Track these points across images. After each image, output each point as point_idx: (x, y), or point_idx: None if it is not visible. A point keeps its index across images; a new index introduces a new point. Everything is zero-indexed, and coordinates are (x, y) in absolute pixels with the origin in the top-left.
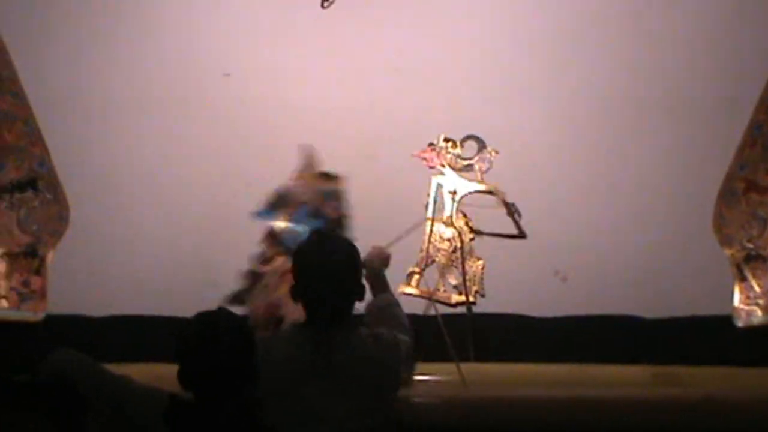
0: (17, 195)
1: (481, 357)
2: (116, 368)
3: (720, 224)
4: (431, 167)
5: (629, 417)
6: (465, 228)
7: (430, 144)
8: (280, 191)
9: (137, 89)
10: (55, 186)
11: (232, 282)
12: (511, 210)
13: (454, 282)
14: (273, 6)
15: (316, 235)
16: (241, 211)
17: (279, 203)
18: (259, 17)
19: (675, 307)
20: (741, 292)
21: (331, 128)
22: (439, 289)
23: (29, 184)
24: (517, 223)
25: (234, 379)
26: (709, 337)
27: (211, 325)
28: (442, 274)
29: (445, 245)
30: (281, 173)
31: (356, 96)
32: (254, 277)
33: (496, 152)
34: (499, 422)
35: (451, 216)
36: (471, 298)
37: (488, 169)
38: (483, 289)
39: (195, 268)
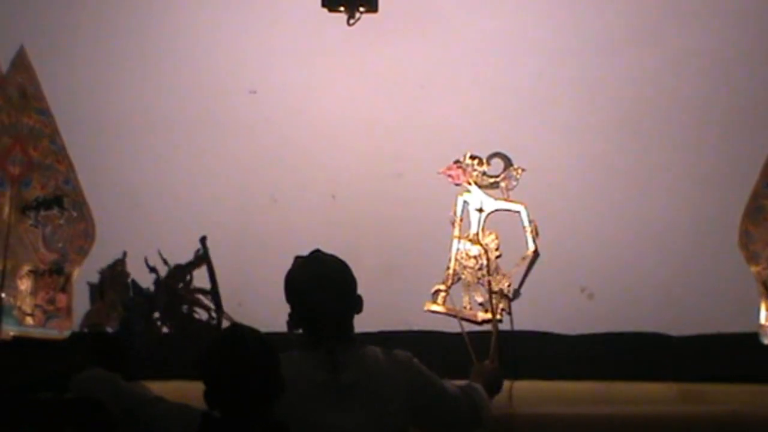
0: (43, 212)
1: (507, 375)
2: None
3: (746, 241)
4: (457, 184)
5: None
6: (491, 245)
7: (456, 161)
8: None
9: (163, 106)
10: (80, 203)
11: (257, 297)
12: (534, 228)
13: (480, 299)
14: (299, 24)
15: (301, 259)
16: (267, 225)
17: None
18: (285, 35)
19: (701, 324)
20: (767, 309)
21: (357, 145)
22: (465, 307)
23: (55, 201)
24: (533, 241)
25: (260, 396)
26: (736, 355)
27: (237, 343)
28: (468, 292)
29: (471, 263)
30: (306, 189)
31: (381, 113)
32: None
33: (523, 170)
34: None
35: (477, 233)
36: (498, 316)
37: (514, 186)
38: (509, 306)
39: (222, 284)
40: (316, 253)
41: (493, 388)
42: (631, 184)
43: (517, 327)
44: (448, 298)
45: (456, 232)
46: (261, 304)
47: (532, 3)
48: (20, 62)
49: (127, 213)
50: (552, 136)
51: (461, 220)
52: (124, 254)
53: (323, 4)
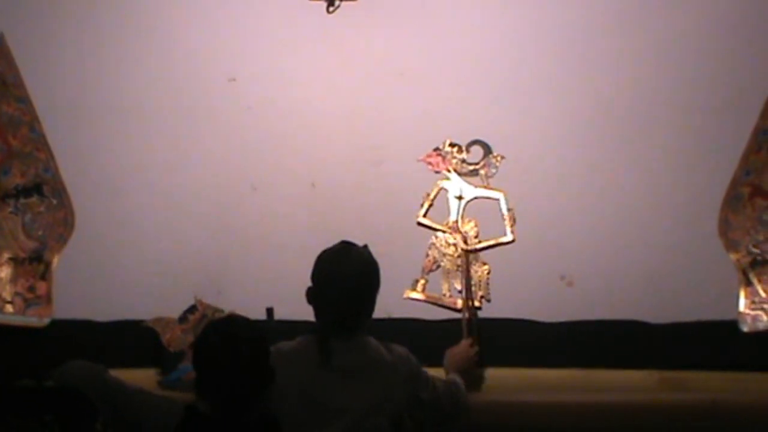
0: (22, 200)
1: (486, 362)
2: (123, 374)
3: (725, 229)
4: (437, 172)
5: (635, 422)
6: (471, 233)
7: (436, 149)
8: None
9: (142, 94)
10: (60, 191)
11: (236, 286)
12: (512, 216)
13: (459, 287)
14: (278, 11)
15: (340, 246)
16: (248, 215)
17: (176, 358)
18: (263, 22)
19: (681, 311)
20: (746, 297)
21: (337, 133)
22: (445, 294)
23: (34, 189)
24: (512, 227)
25: (251, 386)
26: (715, 342)
27: (228, 332)
28: (447, 279)
29: (451, 250)
30: (287, 178)
31: (361, 101)
32: None
33: (502, 157)
34: (504, 428)
35: (456, 221)
36: (476, 303)
37: (494, 174)
38: (489, 294)
39: (201, 272)
40: (356, 247)
41: (464, 366)
42: (610, 172)
43: (496, 315)
44: (427, 285)
45: (421, 213)
46: (240, 292)
47: None
48: None
49: (107, 201)
50: (531, 125)
51: (431, 205)
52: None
53: None
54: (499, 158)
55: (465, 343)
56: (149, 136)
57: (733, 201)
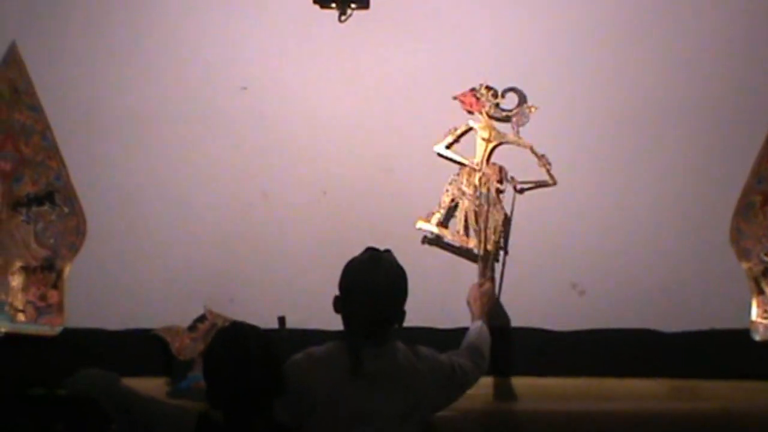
0: (34, 208)
1: (497, 371)
2: (135, 382)
3: (737, 238)
4: (469, 112)
5: (647, 431)
6: (494, 177)
7: (472, 89)
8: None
9: (153, 102)
10: (72, 199)
11: (248, 294)
12: (544, 161)
13: (473, 227)
14: (290, 20)
15: (369, 254)
16: (259, 223)
17: (185, 367)
18: (275, 31)
19: (692, 320)
20: (759, 306)
21: (348, 141)
22: (459, 232)
23: (46, 197)
24: (548, 172)
25: (262, 395)
26: (727, 351)
27: (239, 341)
28: (463, 219)
29: (471, 189)
30: (298, 185)
31: (372, 109)
32: None
33: (535, 108)
34: None
35: (481, 162)
36: (489, 247)
37: (525, 123)
38: (502, 241)
39: (213, 280)
40: (384, 254)
41: (490, 306)
42: (622, 181)
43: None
44: (440, 220)
45: (443, 144)
46: (252, 300)
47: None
48: (12, 59)
49: (119, 209)
50: (542, 132)
51: (455, 140)
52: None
53: (314, 1)
54: (532, 108)
55: (486, 282)
56: (160, 144)
57: (745, 209)
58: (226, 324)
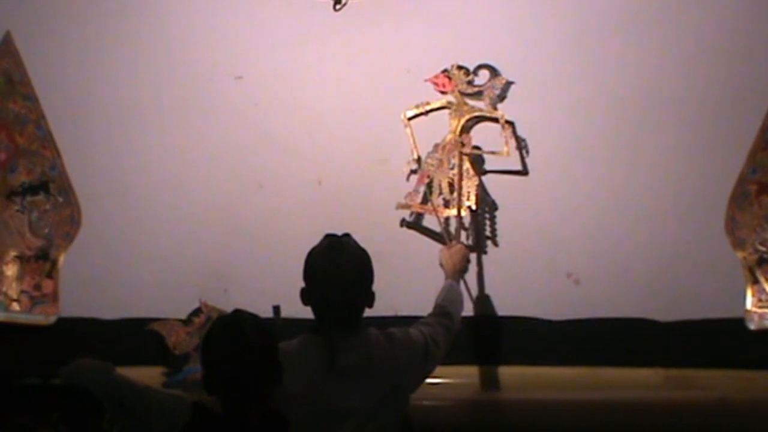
0: (29, 198)
1: (492, 360)
2: (130, 372)
3: (732, 227)
4: (442, 92)
5: (642, 420)
6: (468, 146)
7: (444, 70)
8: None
9: (148, 92)
10: (66, 189)
11: (243, 283)
12: (508, 132)
13: (447, 197)
14: (284, 8)
15: (328, 241)
16: (254, 213)
17: (182, 360)
18: (270, 20)
19: (687, 309)
20: (753, 295)
21: (343, 131)
22: (432, 203)
23: (41, 187)
24: (506, 142)
25: (260, 382)
26: (722, 340)
27: (237, 328)
28: (437, 193)
29: (445, 162)
30: (293, 175)
31: (367, 98)
32: None
33: (509, 82)
34: (510, 426)
35: (454, 134)
36: (463, 212)
37: (497, 96)
38: (478, 205)
39: (207, 269)
40: (344, 239)
41: (462, 265)
42: (617, 170)
43: (501, 312)
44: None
45: (409, 112)
46: (247, 290)
47: None
48: (6, 48)
49: (114, 199)
50: (537, 122)
51: (424, 113)
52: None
53: None
54: (504, 81)
55: (458, 243)
56: (155, 133)
57: (739, 199)
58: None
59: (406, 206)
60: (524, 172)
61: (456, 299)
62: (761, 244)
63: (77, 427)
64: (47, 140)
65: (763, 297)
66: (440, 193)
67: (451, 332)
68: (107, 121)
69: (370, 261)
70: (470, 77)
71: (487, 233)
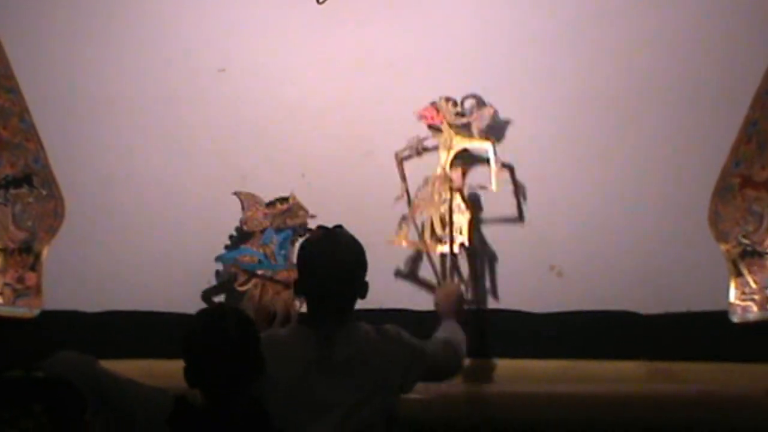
0: (12, 191)
1: (476, 353)
2: (113, 365)
3: (715, 220)
4: (430, 126)
5: (626, 413)
6: (457, 181)
7: (432, 103)
8: (240, 226)
9: (131, 84)
10: (50, 182)
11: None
12: (499, 165)
13: (440, 233)
14: (268, 1)
15: (321, 231)
16: (237, 205)
17: (242, 237)
18: (253, 12)
19: (671, 302)
20: (737, 288)
21: (326, 124)
22: (425, 241)
23: (24, 179)
24: (497, 176)
25: (241, 375)
26: (705, 333)
27: (218, 321)
28: (429, 227)
29: (436, 198)
30: (276, 168)
31: (351, 91)
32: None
33: (495, 111)
34: (495, 418)
35: (443, 168)
36: (455, 250)
37: (486, 125)
38: (470, 240)
39: (191, 262)
40: (337, 230)
41: (458, 306)
42: (600, 162)
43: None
44: (409, 232)
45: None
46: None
47: None
48: None
49: (97, 191)
50: (522, 115)
51: (417, 152)
52: None
53: None
54: (491, 110)
55: (453, 282)
56: (139, 126)
57: (723, 192)
58: (301, 215)
59: (410, 272)
60: (520, 218)
61: (460, 339)
62: (744, 236)
63: (60, 419)
64: (31, 133)
65: (747, 290)
66: (432, 232)
67: (450, 363)
68: (91, 113)
69: (364, 252)
70: (458, 108)
71: (487, 285)
